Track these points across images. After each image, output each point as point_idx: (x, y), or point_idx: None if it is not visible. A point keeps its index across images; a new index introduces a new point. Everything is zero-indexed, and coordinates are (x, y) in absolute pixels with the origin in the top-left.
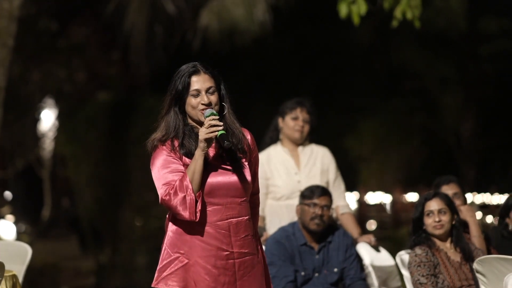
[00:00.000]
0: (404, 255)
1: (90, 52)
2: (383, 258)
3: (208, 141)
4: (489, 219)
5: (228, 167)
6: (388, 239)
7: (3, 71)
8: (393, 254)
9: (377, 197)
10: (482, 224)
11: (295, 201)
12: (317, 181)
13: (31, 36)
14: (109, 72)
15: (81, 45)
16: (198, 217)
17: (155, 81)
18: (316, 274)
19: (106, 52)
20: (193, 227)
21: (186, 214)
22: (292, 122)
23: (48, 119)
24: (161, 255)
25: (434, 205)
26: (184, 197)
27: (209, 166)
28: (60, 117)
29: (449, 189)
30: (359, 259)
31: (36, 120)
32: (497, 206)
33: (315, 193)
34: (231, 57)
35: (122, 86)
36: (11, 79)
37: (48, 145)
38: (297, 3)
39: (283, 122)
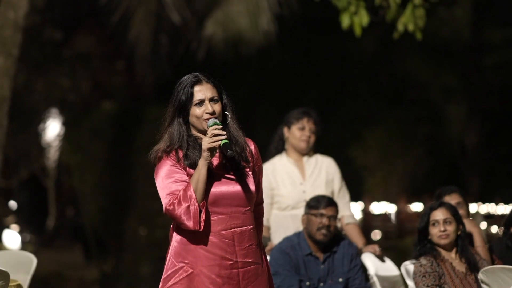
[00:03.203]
0: (409, 265)
1: (94, 62)
2: (388, 268)
3: (211, 150)
4: (494, 229)
5: (232, 177)
6: (393, 249)
7: (8, 80)
8: (398, 264)
9: (382, 207)
10: (487, 234)
11: (300, 211)
12: (322, 191)
13: (36, 45)
14: (114, 82)
15: (86, 55)
16: (202, 227)
17: (159, 91)
18: (321, 284)
19: (111, 62)
20: (197, 237)
21: (190, 223)
22: (299, 132)
23: (52, 128)
24: (166, 264)
25: (439, 215)
26: (188, 206)
27: (213, 176)
28: (64, 127)
29: (451, 200)
30: (364, 269)
31: (40, 129)
32: (502, 216)
33: (322, 203)
34: (236, 66)
35: (126, 95)
36: (16, 89)
37: (52, 154)
38: (301, 13)
39: (289, 132)
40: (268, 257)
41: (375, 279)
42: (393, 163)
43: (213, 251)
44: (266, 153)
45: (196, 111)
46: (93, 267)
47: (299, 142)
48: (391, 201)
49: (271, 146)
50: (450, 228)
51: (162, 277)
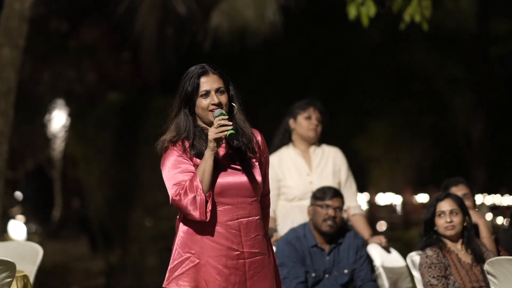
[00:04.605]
0: (415, 256)
1: (100, 53)
2: (394, 259)
3: (218, 141)
4: (500, 220)
5: (238, 167)
6: (398, 240)
7: (14, 71)
8: (404, 255)
9: (388, 198)
10: (492, 225)
11: (307, 202)
12: (329, 181)
13: (42, 37)
14: (120, 73)
15: (92, 46)
16: (208, 217)
17: (165, 82)
18: (327, 275)
19: (117, 53)
20: (204, 227)
21: (196, 214)
22: (306, 121)
23: (58, 119)
24: (172, 255)
25: (445, 206)
26: (194, 197)
27: (219, 166)
28: (70, 118)
29: (458, 191)
30: (369, 260)
31: (46, 120)
32: (508, 207)
33: (328, 195)
34: (241, 58)
35: (132, 87)
36: (22, 80)
37: (58, 145)
38: (307, 4)
39: (296, 122)
40: (274, 248)
41: (381, 270)
42: (399, 154)
43: (220, 241)
44: (271, 146)
45: (202, 102)
46: (99, 258)
47: (307, 132)
48: (397, 192)
49: (276, 139)
50: (456, 219)
51: (169, 267)
